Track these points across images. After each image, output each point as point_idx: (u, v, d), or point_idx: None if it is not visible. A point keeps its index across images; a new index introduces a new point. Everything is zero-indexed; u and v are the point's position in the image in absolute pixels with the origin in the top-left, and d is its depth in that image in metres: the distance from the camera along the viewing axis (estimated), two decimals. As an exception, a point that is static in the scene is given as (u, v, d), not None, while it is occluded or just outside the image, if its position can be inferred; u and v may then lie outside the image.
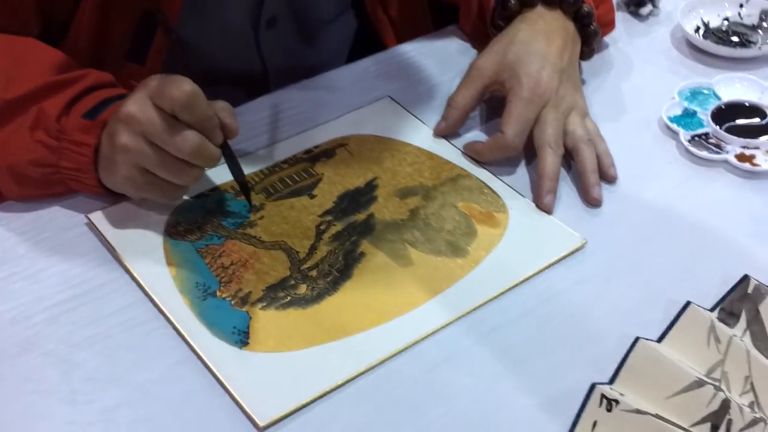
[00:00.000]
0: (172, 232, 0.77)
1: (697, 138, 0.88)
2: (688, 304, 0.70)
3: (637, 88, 0.96)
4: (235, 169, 0.78)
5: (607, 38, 1.02)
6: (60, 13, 0.86)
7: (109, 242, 0.76)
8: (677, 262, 0.76)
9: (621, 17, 1.06)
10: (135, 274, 0.74)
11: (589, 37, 0.92)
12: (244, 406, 0.64)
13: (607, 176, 0.84)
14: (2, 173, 0.77)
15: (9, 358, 0.67)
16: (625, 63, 1.00)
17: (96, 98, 0.77)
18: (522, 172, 0.85)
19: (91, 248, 0.76)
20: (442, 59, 0.99)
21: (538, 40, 0.87)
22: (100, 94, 0.78)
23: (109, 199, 0.79)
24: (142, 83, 0.74)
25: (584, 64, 0.96)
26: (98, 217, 0.78)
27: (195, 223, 0.78)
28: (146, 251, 0.76)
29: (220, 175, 0.82)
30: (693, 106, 0.91)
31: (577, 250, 0.77)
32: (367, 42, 1.08)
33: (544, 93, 0.84)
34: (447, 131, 0.88)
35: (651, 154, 0.88)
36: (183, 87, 0.70)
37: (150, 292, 0.72)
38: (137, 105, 0.72)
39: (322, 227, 0.79)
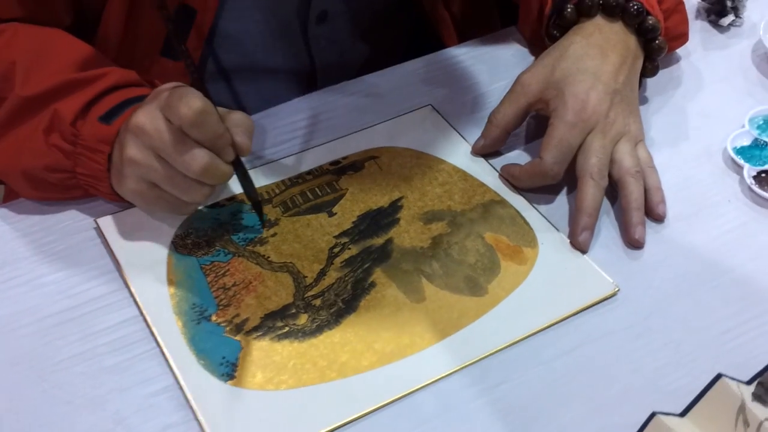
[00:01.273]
0: (179, 245, 0.74)
1: (763, 175, 0.79)
2: (719, 377, 0.62)
3: (704, 111, 0.87)
4: (248, 187, 0.74)
5: (679, 51, 0.92)
6: (91, 4, 0.83)
7: (112, 251, 0.73)
8: (718, 322, 0.68)
9: (698, 26, 0.97)
10: (132, 289, 0.70)
11: (654, 52, 0.83)
12: (218, 449, 0.61)
13: (653, 214, 0.76)
14: (17, 177, 0.75)
15: (-9, 371, 0.66)
16: (695, 80, 0.90)
17: (115, 99, 0.74)
18: (562, 201, 0.78)
19: (96, 256, 0.74)
20: (495, 65, 0.92)
21: (591, 56, 0.79)
22: (120, 95, 0.74)
23: (126, 204, 0.76)
24: (154, 92, 0.70)
25: (648, 80, 0.87)
26: (106, 223, 0.75)
27: (205, 235, 0.75)
28: (148, 264, 0.72)
29: (237, 184, 0.77)
30: (764, 137, 0.82)
31: (607, 297, 0.70)
32: (425, 40, 1.02)
33: (591, 117, 0.76)
34: (485, 150, 0.82)
35: (708, 190, 0.79)
36: (192, 104, 0.65)
37: (144, 310, 0.69)
38: (147, 117, 0.68)
39: (336, 250, 0.74)
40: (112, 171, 0.72)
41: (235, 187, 0.78)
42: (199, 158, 0.68)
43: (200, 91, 0.68)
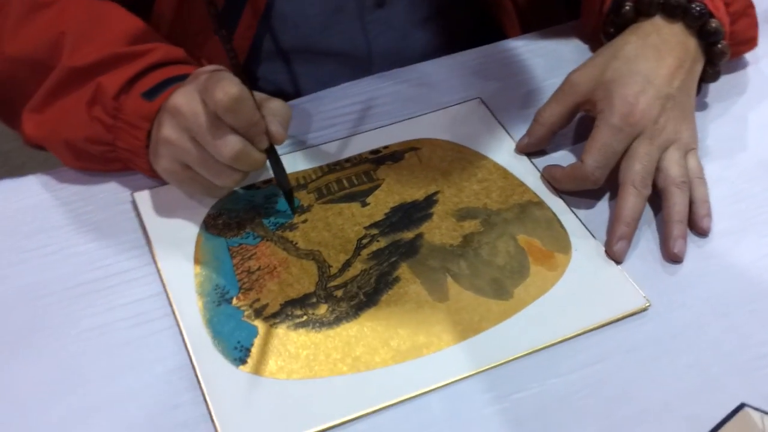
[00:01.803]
0: (210, 224, 0.74)
1: (821, 195, 0.75)
2: (741, 406, 0.59)
3: (765, 121, 0.83)
4: (280, 175, 0.73)
5: (748, 56, 0.88)
6: None
7: (144, 225, 0.74)
8: (751, 348, 0.65)
9: (769, 31, 0.92)
10: (159, 265, 0.71)
11: (715, 57, 0.79)
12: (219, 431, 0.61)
13: (697, 228, 0.72)
14: (60, 146, 0.76)
15: (12, 336, 0.66)
16: (760, 87, 0.86)
17: (159, 76, 0.74)
18: (603, 206, 0.75)
19: (129, 229, 0.74)
20: (551, 60, 0.89)
21: (645, 58, 0.76)
22: (164, 72, 0.74)
23: (164, 180, 0.76)
24: (194, 74, 0.71)
25: (711, 86, 0.83)
26: (142, 197, 0.76)
27: (236, 217, 0.75)
28: (178, 242, 0.73)
29: (279, 163, 0.77)
30: (827, 154, 0.77)
31: (637, 312, 0.67)
32: (487, 30, 0.99)
33: (639, 122, 0.73)
34: (529, 149, 0.79)
35: (759, 206, 0.75)
36: (228, 89, 0.65)
37: (167, 288, 0.69)
38: (185, 98, 0.69)
39: (364, 241, 0.73)
40: (150, 148, 0.73)
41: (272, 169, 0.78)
42: (231, 144, 0.67)
43: (238, 76, 0.67)
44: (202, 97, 0.68)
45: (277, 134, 0.70)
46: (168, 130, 0.70)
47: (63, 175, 0.79)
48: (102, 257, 0.72)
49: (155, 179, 0.76)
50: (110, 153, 0.75)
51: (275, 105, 0.71)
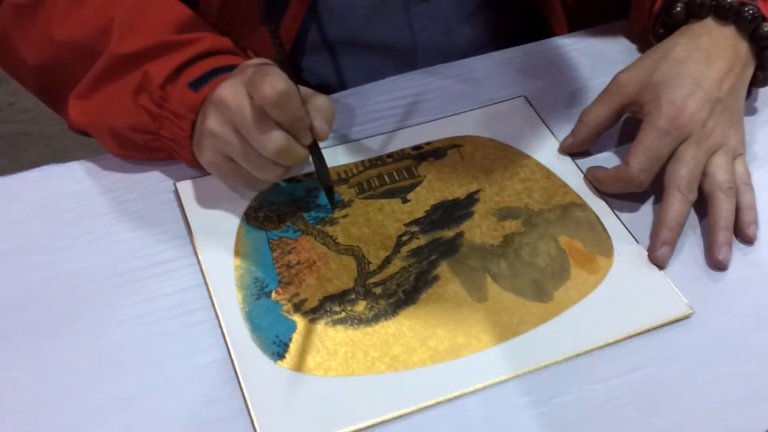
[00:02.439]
0: (251, 216, 0.74)
1: None
2: (785, 420, 0.58)
3: (816, 128, 0.81)
4: (322, 171, 0.73)
5: (800, 60, 0.86)
6: None
7: (186, 216, 0.74)
8: (797, 359, 0.64)
9: (826, 35, 0.90)
10: (199, 257, 0.71)
11: (767, 61, 0.78)
12: (257, 427, 0.61)
13: (743, 235, 0.71)
14: (104, 133, 0.77)
15: (53, 323, 0.67)
16: (811, 93, 0.84)
17: (205, 66, 0.74)
18: (647, 210, 0.74)
19: (171, 219, 0.75)
20: (598, 59, 0.88)
21: (695, 60, 0.74)
22: (211, 62, 0.74)
23: (206, 171, 0.77)
24: (241, 67, 0.71)
25: (760, 91, 0.82)
26: (185, 187, 0.76)
27: (277, 209, 0.75)
28: (219, 233, 0.73)
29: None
30: None
31: (679, 319, 0.66)
32: (534, 27, 0.98)
33: (686, 125, 0.72)
34: (573, 149, 0.78)
35: (808, 215, 0.74)
36: (275, 84, 0.65)
37: (207, 279, 0.70)
38: (231, 90, 0.69)
39: (404, 238, 0.72)
40: (194, 139, 0.73)
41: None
42: (275, 139, 0.67)
43: (285, 71, 0.67)
44: (249, 90, 0.67)
45: (321, 131, 0.70)
46: (213, 122, 0.70)
47: (107, 163, 0.79)
48: (144, 246, 0.72)
49: (198, 169, 0.77)
50: (154, 142, 0.75)
51: (320, 101, 0.71)
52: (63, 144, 2.04)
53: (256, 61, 0.71)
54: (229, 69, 0.73)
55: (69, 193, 0.77)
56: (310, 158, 0.73)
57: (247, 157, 0.70)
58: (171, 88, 0.73)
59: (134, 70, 0.75)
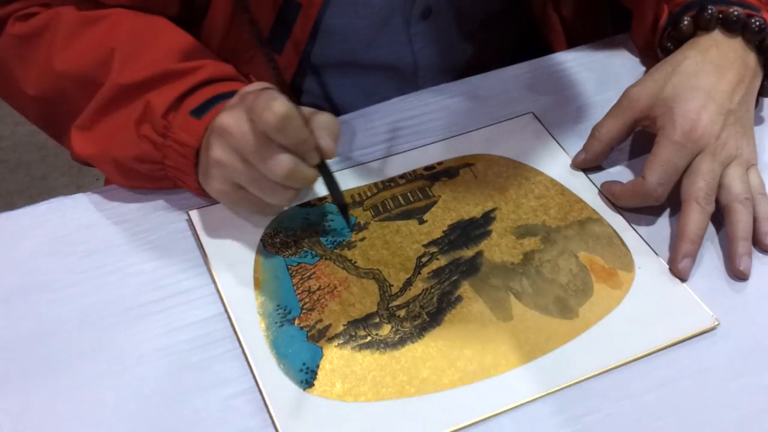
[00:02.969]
0: (268, 243, 0.73)
1: None
2: (822, 429, 0.59)
3: (823, 135, 0.82)
4: (334, 189, 0.73)
5: (802, 70, 0.87)
6: None
7: (202, 245, 0.73)
8: (826, 367, 0.64)
9: (826, 44, 0.91)
10: (219, 286, 0.70)
11: (774, 72, 0.79)
12: (292, 457, 0.60)
13: (761, 245, 0.72)
14: (108, 164, 0.76)
15: (74, 359, 0.66)
16: (816, 102, 0.85)
17: (207, 93, 0.73)
18: (663, 223, 0.74)
19: (186, 248, 0.74)
20: (603, 74, 0.88)
21: (706, 73, 0.75)
22: (213, 89, 0.74)
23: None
24: (241, 93, 0.70)
25: (766, 100, 0.83)
26: (198, 216, 0.75)
27: (293, 235, 0.74)
28: (236, 261, 0.72)
29: (332, 179, 0.77)
30: None
31: (706, 331, 0.67)
32: (534, 44, 0.99)
33: (701, 138, 0.72)
34: (586, 164, 0.78)
35: (823, 222, 0.74)
36: (276, 109, 0.64)
37: (228, 309, 0.69)
38: (233, 118, 0.68)
39: (424, 260, 0.72)
40: (199, 168, 0.72)
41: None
42: (283, 163, 0.67)
43: (285, 94, 0.66)
44: (250, 116, 0.67)
45: (327, 149, 0.69)
46: (218, 151, 0.69)
47: (113, 194, 0.78)
48: (160, 277, 0.72)
49: (204, 198, 0.76)
50: (159, 171, 0.75)
51: (323, 119, 0.70)
52: (41, 171, 2.02)
53: (255, 86, 0.70)
54: (231, 95, 0.73)
55: (79, 226, 0.76)
56: (321, 178, 0.72)
57: (256, 183, 0.69)
58: (173, 116, 0.72)
59: (136, 100, 0.74)
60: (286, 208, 0.76)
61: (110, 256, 0.73)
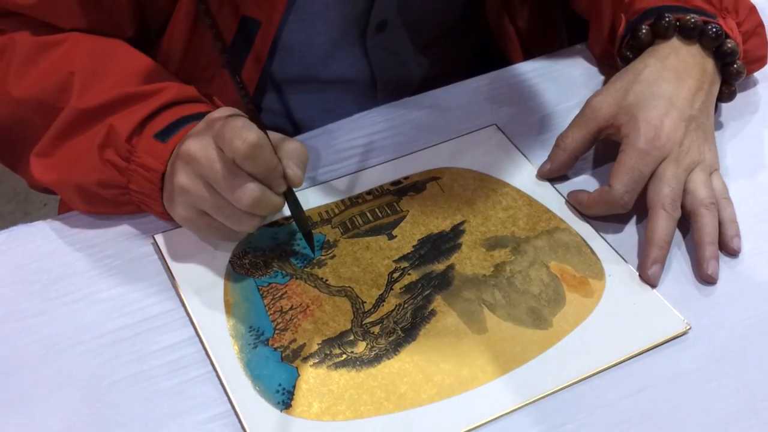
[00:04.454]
0: (237, 264, 0.72)
1: None
2: (797, 428, 0.59)
3: (783, 139, 0.84)
4: (299, 217, 0.72)
5: (757, 74, 0.89)
6: (155, 15, 0.82)
7: (169, 268, 0.72)
8: (796, 367, 0.65)
9: (778, 49, 0.93)
10: (189, 310, 0.69)
11: (731, 77, 0.80)
12: (273, 481, 0.59)
13: (728, 248, 0.73)
14: (69, 190, 0.74)
15: (45, 389, 0.64)
16: (773, 106, 0.87)
17: (171, 116, 0.72)
18: (631, 230, 0.75)
19: (153, 273, 0.73)
20: (563, 84, 0.89)
21: (666, 80, 0.76)
22: (176, 112, 0.73)
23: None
24: (208, 120, 0.68)
25: (723, 105, 0.84)
26: (164, 239, 0.74)
27: (263, 255, 0.73)
28: (205, 284, 0.71)
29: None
30: None
31: (678, 336, 0.67)
32: (490, 55, 0.99)
33: (665, 145, 0.73)
34: (552, 174, 0.79)
35: (786, 223, 0.76)
36: (246, 137, 0.63)
37: (200, 332, 0.68)
38: (199, 145, 0.67)
39: (395, 275, 0.72)
40: (164, 193, 0.71)
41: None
42: (249, 192, 0.65)
43: (254, 121, 0.66)
44: (218, 143, 0.66)
45: (295, 178, 0.68)
46: (183, 177, 0.68)
47: (74, 221, 0.77)
48: (127, 303, 0.70)
49: (169, 222, 0.75)
50: (123, 196, 0.73)
51: (292, 147, 0.69)
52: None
53: (222, 111, 0.69)
54: (195, 117, 0.72)
55: (42, 253, 0.74)
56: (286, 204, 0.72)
57: (221, 210, 0.68)
58: (137, 140, 0.71)
59: (98, 124, 0.73)
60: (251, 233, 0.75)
61: (75, 283, 0.72)
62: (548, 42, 0.99)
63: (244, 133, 0.63)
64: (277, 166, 0.66)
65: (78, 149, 0.73)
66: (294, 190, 0.70)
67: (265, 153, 0.64)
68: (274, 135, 0.69)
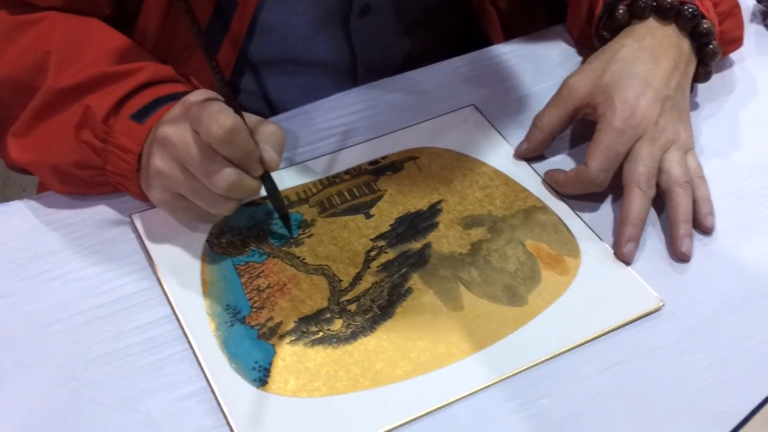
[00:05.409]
0: (214, 243, 0.73)
1: (819, 188, 0.76)
2: (767, 400, 0.60)
3: (757, 119, 0.84)
4: (276, 200, 0.72)
5: (733, 55, 0.89)
6: None
7: (146, 248, 0.72)
8: (767, 342, 0.66)
9: (754, 30, 0.94)
10: (165, 288, 0.69)
11: (707, 57, 0.81)
12: (248, 456, 0.59)
13: (702, 226, 0.73)
14: (45, 170, 0.74)
15: (22, 368, 0.64)
16: (748, 86, 0.87)
17: (148, 97, 0.72)
18: (606, 209, 0.76)
19: (130, 251, 0.72)
20: (540, 65, 0.89)
21: (642, 60, 0.76)
22: (153, 92, 0.72)
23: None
24: (184, 103, 0.68)
25: (699, 86, 0.85)
26: (141, 219, 0.74)
27: (240, 234, 0.73)
28: (183, 263, 0.71)
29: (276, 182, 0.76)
30: (820, 149, 0.79)
31: (651, 312, 0.68)
32: (472, 37, 0.99)
33: (640, 123, 0.73)
34: (528, 154, 0.79)
35: (760, 202, 0.76)
36: (222, 121, 0.63)
37: (177, 311, 0.68)
38: (175, 128, 0.66)
39: (373, 254, 0.72)
40: (141, 175, 0.71)
41: (272, 185, 0.77)
42: (226, 176, 0.65)
43: (230, 105, 0.65)
44: (194, 127, 0.65)
45: (271, 161, 0.67)
46: (159, 161, 0.68)
47: (50, 200, 0.76)
48: (104, 282, 0.70)
49: (146, 202, 0.74)
50: (99, 177, 0.73)
51: (269, 130, 0.68)
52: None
53: (199, 95, 0.68)
54: (172, 98, 0.71)
55: (19, 233, 0.74)
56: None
57: (197, 194, 0.68)
58: (114, 121, 0.71)
59: (74, 105, 0.72)
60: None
61: (52, 262, 0.72)
62: (529, 23, 0.99)
63: (221, 117, 0.63)
64: (253, 151, 0.66)
65: (54, 129, 0.73)
66: (270, 174, 0.70)
67: (241, 137, 0.64)
68: (251, 118, 0.68)
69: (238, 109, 0.66)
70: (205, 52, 0.65)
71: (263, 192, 0.75)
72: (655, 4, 0.79)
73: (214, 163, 0.65)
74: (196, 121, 0.65)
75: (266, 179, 0.70)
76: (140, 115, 0.71)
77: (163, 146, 0.67)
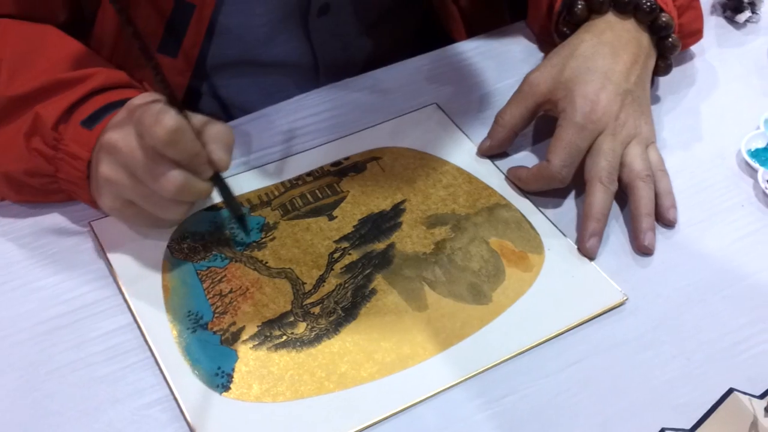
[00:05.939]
0: (175, 248, 0.72)
1: (779, 179, 0.76)
2: (730, 391, 0.60)
3: (718, 111, 0.85)
4: (230, 201, 0.71)
5: (693, 48, 0.90)
6: (88, 1, 0.81)
7: (106, 255, 0.71)
8: (731, 333, 0.66)
9: (714, 22, 0.94)
10: (126, 296, 0.68)
11: (667, 51, 0.81)
12: (212, 463, 0.59)
13: (664, 219, 0.73)
14: None
15: (-19, 381, 0.64)
16: (709, 79, 0.88)
17: (99, 102, 0.71)
18: (569, 205, 0.76)
19: (89, 260, 0.72)
20: (502, 62, 0.89)
21: (602, 55, 0.76)
22: (104, 98, 0.71)
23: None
24: (128, 107, 0.67)
25: (660, 79, 0.85)
26: (101, 226, 0.73)
27: (201, 239, 0.72)
28: (143, 269, 0.70)
29: (235, 186, 0.75)
30: (780, 139, 0.79)
31: (615, 307, 0.68)
32: (434, 35, 0.99)
33: (601, 118, 0.73)
34: (491, 151, 0.79)
35: (721, 194, 0.77)
36: (165, 123, 0.62)
37: (138, 318, 0.67)
38: (120, 133, 0.65)
39: (336, 255, 0.71)
40: (91, 182, 0.70)
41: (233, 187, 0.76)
42: (173, 179, 0.64)
43: (174, 105, 0.64)
44: (137, 130, 0.64)
45: (220, 162, 0.66)
46: (106, 167, 0.67)
47: (5, 210, 0.75)
48: (65, 290, 0.69)
49: (100, 210, 0.73)
50: (52, 185, 0.72)
51: (216, 129, 0.67)
52: None
53: (143, 98, 0.67)
54: (124, 103, 0.70)
55: (-25, 243, 0.73)
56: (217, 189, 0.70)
57: (147, 199, 0.67)
58: (64, 128, 0.70)
59: (25, 113, 0.71)
60: (196, 210, 0.74)
61: (10, 272, 0.71)
62: (491, 20, 0.98)
63: (163, 118, 0.62)
64: (200, 151, 0.65)
65: (5, 138, 0.71)
66: (224, 174, 0.69)
67: (185, 138, 0.63)
68: (197, 118, 0.67)
69: (182, 109, 0.64)
70: (143, 52, 0.64)
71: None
72: (612, -2, 0.80)
73: (160, 166, 0.64)
74: (139, 125, 0.64)
75: (217, 181, 0.69)
76: (90, 121, 0.70)
77: (110, 153, 0.66)
